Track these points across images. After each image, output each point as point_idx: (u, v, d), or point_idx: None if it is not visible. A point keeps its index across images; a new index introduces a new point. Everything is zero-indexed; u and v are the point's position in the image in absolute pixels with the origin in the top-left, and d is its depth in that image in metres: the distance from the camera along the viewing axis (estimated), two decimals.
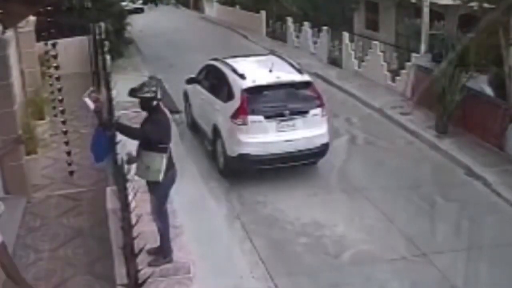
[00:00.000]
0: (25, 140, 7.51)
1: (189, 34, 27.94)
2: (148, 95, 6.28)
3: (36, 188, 8.65)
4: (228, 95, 10.39)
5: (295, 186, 9.96)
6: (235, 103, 10.03)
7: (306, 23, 22.38)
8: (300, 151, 10.01)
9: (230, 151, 9.99)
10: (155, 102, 6.33)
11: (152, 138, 6.26)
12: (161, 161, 6.31)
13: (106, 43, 12.52)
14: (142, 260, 4.82)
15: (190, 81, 12.49)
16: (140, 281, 3.63)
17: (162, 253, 6.64)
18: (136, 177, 6.52)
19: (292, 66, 11.04)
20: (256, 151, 9.80)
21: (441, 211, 9.13)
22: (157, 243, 6.69)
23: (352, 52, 18.68)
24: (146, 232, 6.45)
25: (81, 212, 8.00)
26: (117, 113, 8.14)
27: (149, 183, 6.52)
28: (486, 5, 12.31)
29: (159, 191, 6.48)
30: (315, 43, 21.51)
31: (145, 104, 6.37)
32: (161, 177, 6.33)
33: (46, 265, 6.67)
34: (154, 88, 6.30)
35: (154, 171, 6.32)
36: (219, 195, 9.66)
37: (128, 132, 6.39)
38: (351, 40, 19.06)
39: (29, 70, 11.91)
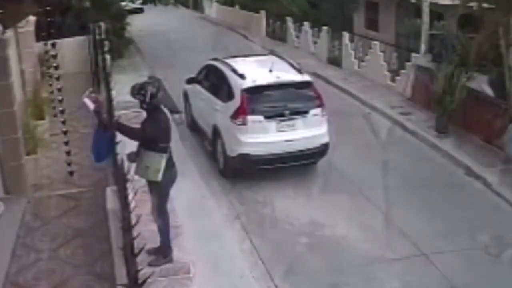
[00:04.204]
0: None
1: (189, 34, 27.93)
2: (138, 98, 6.32)
3: (36, 188, 8.63)
4: (228, 95, 10.39)
5: (295, 186, 9.96)
6: (235, 103, 10.03)
7: (306, 23, 22.37)
8: (300, 151, 10.01)
9: (230, 151, 9.99)
10: (145, 105, 6.35)
11: (151, 138, 6.27)
12: (160, 161, 6.32)
13: (106, 43, 12.52)
14: (142, 260, 4.81)
15: (190, 81, 12.49)
16: (140, 281, 3.63)
17: (162, 252, 6.64)
18: (136, 177, 6.53)
19: (292, 66, 11.04)
20: (256, 151, 9.80)
21: (441, 211, 9.13)
22: (157, 243, 6.70)
23: (352, 52, 18.69)
24: (146, 232, 6.45)
25: (81, 212, 7.98)
26: (117, 113, 8.12)
27: (149, 183, 6.53)
28: (486, 5, 12.30)
29: (159, 191, 6.48)
30: (315, 43, 21.51)
31: (141, 104, 6.42)
32: (160, 176, 6.33)
33: (46, 265, 6.66)
34: (143, 92, 6.29)
35: (153, 171, 6.33)
36: (219, 195, 9.66)
37: (128, 132, 6.41)
38: (351, 40, 19.06)
39: (29, 70, 11.90)
